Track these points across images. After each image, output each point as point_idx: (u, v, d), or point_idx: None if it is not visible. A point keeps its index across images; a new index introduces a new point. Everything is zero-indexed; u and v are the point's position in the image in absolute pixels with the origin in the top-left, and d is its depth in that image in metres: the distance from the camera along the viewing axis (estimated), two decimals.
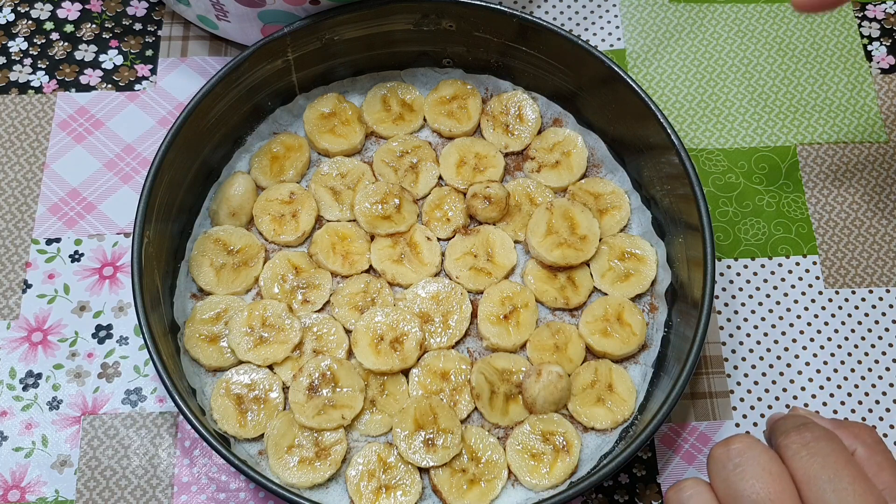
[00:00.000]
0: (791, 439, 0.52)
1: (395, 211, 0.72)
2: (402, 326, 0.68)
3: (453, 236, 0.73)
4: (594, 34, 0.86)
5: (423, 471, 0.65)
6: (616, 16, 0.86)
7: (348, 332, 0.69)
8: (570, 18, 0.86)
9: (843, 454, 0.51)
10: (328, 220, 0.74)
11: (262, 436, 0.66)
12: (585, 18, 0.86)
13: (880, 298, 0.75)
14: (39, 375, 0.71)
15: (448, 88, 0.78)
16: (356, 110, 0.77)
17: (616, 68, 0.70)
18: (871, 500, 0.49)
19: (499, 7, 0.72)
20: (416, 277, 0.71)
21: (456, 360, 0.68)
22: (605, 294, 0.71)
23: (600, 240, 0.72)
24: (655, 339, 0.70)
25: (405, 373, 0.68)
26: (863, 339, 0.74)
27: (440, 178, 0.75)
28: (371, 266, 0.72)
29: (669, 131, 0.68)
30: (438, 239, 0.73)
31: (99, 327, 0.73)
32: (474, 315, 0.70)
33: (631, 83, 0.70)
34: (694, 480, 0.53)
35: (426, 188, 0.75)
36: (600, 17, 0.86)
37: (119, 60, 0.83)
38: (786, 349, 0.73)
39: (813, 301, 0.75)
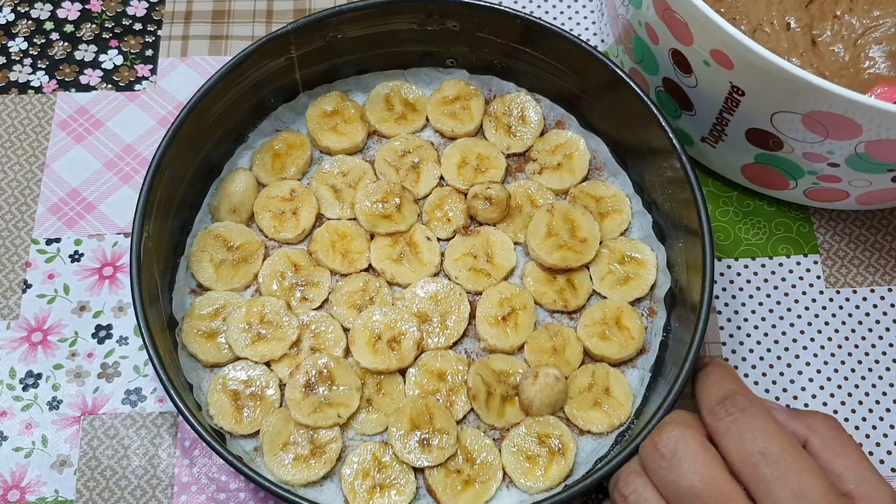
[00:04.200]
0: (718, 417, 0.53)
1: (396, 210, 0.72)
2: (399, 326, 0.68)
3: (453, 237, 0.73)
4: (594, 34, 0.85)
5: (418, 471, 0.65)
6: None
7: (346, 330, 0.69)
8: (572, 20, 0.86)
9: (770, 423, 0.52)
10: (328, 219, 0.73)
11: (257, 432, 0.65)
12: (585, 18, 0.86)
13: (881, 298, 0.75)
14: (39, 375, 0.71)
15: (451, 89, 0.78)
16: (359, 109, 0.77)
17: (619, 72, 0.70)
18: (803, 465, 0.50)
19: (503, 8, 0.72)
20: (415, 277, 0.71)
21: (453, 360, 0.68)
22: (605, 297, 0.71)
23: (600, 243, 0.72)
24: (654, 344, 0.69)
25: (402, 372, 0.68)
26: (863, 338, 0.73)
27: (441, 178, 0.75)
28: (370, 265, 0.72)
29: (672, 136, 0.68)
30: (438, 239, 0.73)
31: (99, 327, 0.73)
32: (472, 316, 0.70)
33: (634, 87, 0.69)
34: (635, 475, 0.54)
35: (427, 188, 0.75)
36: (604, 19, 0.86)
37: (119, 60, 0.83)
38: (786, 349, 0.73)
39: (814, 301, 0.75)
